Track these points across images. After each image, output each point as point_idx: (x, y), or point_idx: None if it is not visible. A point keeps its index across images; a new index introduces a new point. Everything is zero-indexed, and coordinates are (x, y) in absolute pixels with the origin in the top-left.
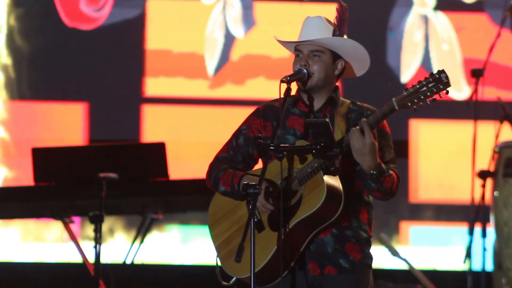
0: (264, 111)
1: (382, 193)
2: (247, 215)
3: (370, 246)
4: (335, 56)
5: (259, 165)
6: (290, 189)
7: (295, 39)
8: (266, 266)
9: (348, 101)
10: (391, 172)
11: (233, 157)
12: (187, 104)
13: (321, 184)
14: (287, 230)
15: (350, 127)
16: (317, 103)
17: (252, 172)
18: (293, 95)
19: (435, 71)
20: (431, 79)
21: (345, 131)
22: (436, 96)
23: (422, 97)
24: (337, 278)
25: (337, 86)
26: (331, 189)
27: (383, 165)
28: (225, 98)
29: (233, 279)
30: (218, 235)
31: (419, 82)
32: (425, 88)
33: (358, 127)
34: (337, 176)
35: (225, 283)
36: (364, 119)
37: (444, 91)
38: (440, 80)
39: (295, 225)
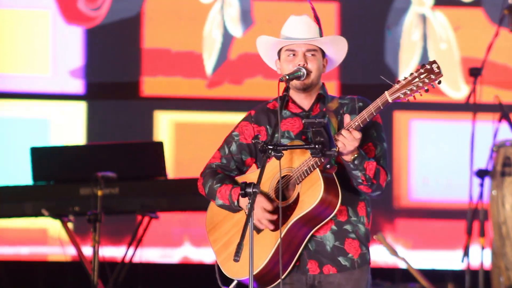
0: (257, 116)
1: (367, 182)
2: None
3: (368, 240)
4: (323, 55)
5: (252, 168)
6: (287, 189)
7: (279, 39)
8: (267, 266)
9: (337, 97)
10: (371, 159)
11: (226, 165)
12: (185, 104)
13: (318, 181)
14: (286, 229)
15: (341, 121)
16: (308, 102)
17: (249, 180)
18: (281, 97)
19: (426, 62)
20: (422, 70)
21: (337, 127)
22: (428, 87)
23: (414, 88)
24: (337, 276)
25: (323, 84)
26: (328, 185)
27: (361, 151)
28: (223, 97)
29: (234, 283)
30: (216, 240)
31: (411, 73)
32: (417, 80)
33: (347, 130)
34: (333, 173)
35: (225, 287)
36: (363, 116)
37: (436, 82)
38: (432, 71)
39: (293, 223)
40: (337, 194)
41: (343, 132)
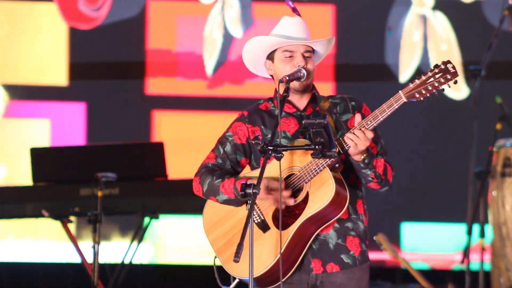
0: (250, 116)
1: (377, 179)
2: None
3: (367, 238)
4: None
5: (246, 169)
6: (294, 187)
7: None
8: (274, 266)
9: (326, 96)
10: (380, 157)
11: (222, 165)
12: (186, 104)
13: (329, 180)
14: (296, 228)
15: (337, 120)
16: (302, 102)
17: (251, 175)
18: (277, 97)
19: (439, 62)
20: (437, 70)
21: (334, 125)
22: (444, 86)
23: (430, 88)
24: (340, 274)
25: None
26: (338, 185)
27: (369, 149)
28: (224, 98)
29: (234, 283)
30: (217, 239)
31: (425, 73)
32: (432, 79)
33: (359, 129)
34: (339, 172)
35: (226, 287)
36: (376, 115)
37: (453, 81)
38: (447, 70)
39: (303, 222)
40: (345, 193)
41: (356, 132)
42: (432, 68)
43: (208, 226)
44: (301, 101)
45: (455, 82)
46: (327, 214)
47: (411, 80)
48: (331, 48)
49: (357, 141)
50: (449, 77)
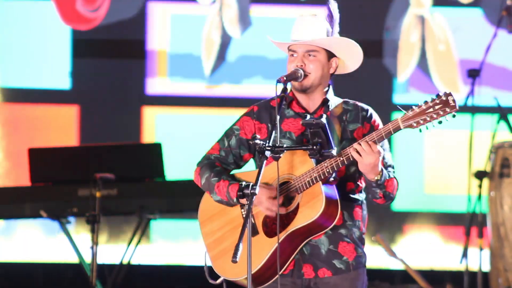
0: (259, 112)
1: (385, 198)
2: (242, 216)
3: (363, 244)
4: (330, 55)
5: (249, 164)
6: (287, 196)
7: (289, 39)
8: (259, 271)
9: (341, 100)
10: (392, 175)
11: (224, 158)
12: (184, 105)
13: (319, 195)
14: (282, 238)
15: (344, 128)
16: (312, 104)
17: (245, 178)
18: (288, 96)
19: (441, 92)
20: (438, 101)
21: (340, 133)
22: (442, 119)
23: (428, 118)
24: (332, 279)
25: (330, 85)
26: (329, 200)
27: (384, 170)
28: (222, 98)
29: (222, 278)
30: (209, 234)
31: (425, 102)
32: (431, 110)
33: (366, 142)
34: (334, 185)
35: (213, 281)
36: (372, 138)
37: (451, 115)
38: (447, 103)
39: (290, 233)
40: (336, 208)
41: (363, 143)
42: (434, 98)
43: (203, 218)
44: (310, 103)
45: (454, 116)
46: (315, 228)
47: (411, 108)
48: (352, 47)
49: (362, 153)
50: (448, 110)
